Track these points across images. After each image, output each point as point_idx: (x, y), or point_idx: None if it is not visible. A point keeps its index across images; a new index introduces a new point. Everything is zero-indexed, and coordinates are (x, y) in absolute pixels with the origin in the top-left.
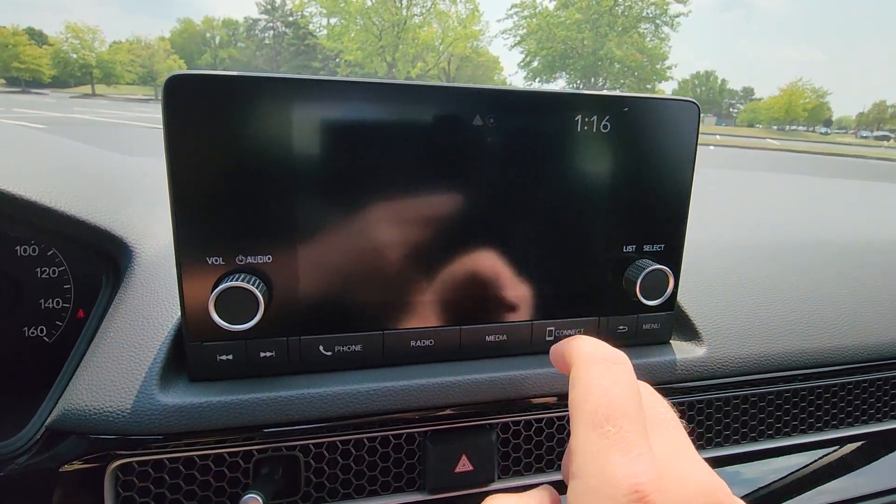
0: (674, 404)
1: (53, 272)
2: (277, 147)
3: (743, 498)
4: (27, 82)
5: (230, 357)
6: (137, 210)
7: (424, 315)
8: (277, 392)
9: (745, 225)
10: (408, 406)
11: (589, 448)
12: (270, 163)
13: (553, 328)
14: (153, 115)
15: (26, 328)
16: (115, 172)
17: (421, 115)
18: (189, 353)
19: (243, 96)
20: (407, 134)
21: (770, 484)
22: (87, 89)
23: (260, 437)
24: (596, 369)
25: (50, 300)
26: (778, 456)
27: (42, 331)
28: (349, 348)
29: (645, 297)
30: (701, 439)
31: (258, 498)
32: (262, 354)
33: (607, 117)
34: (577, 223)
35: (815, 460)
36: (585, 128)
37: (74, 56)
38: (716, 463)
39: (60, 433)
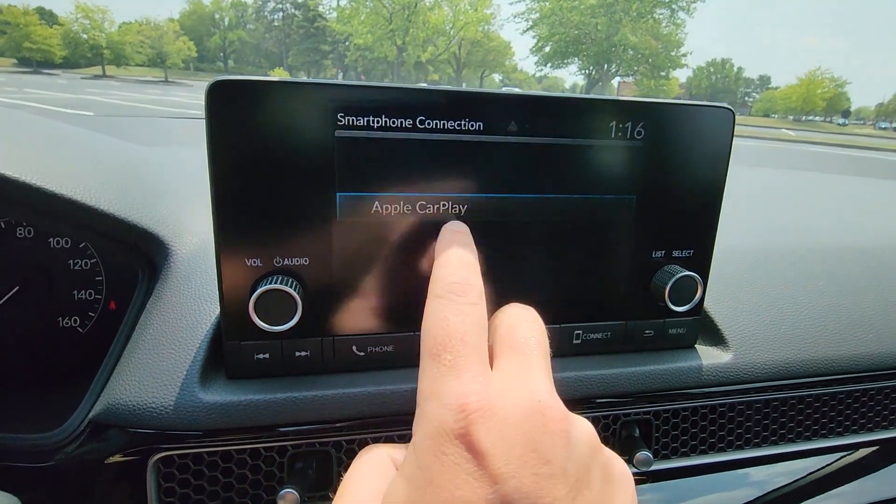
0: (693, 408)
1: (86, 264)
2: (316, 152)
3: (758, 499)
4: (38, 63)
5: (266, 356)
6: (172, 206)
7: None
8: (313, 391)
9: (769, 227)
10: None
11: (427, 375)
12: (309, 167)
13: (580, 332)
14: (167, 99)
15: (60, 318)
16: (147, 166)
17: (457, 121)
18: (227, 352)
19: (285, 101)
20: (443, 139)
21: (787, 485)
22: (97, 70)
23: (294, 434)
24: (440, 302)
25: (83, 292)
26: (797, 459)
27: (76, 321)
28: (382, 349)
29: (673, 303)
30: (722, 442)
31: (295, 492)
32: (297, 354)
33: (641, 123)
34: (607, 228)
35: (831, 463)
36: (619, 133)
37: (85, 36)
38: (736, 465)
39: (103, 426)
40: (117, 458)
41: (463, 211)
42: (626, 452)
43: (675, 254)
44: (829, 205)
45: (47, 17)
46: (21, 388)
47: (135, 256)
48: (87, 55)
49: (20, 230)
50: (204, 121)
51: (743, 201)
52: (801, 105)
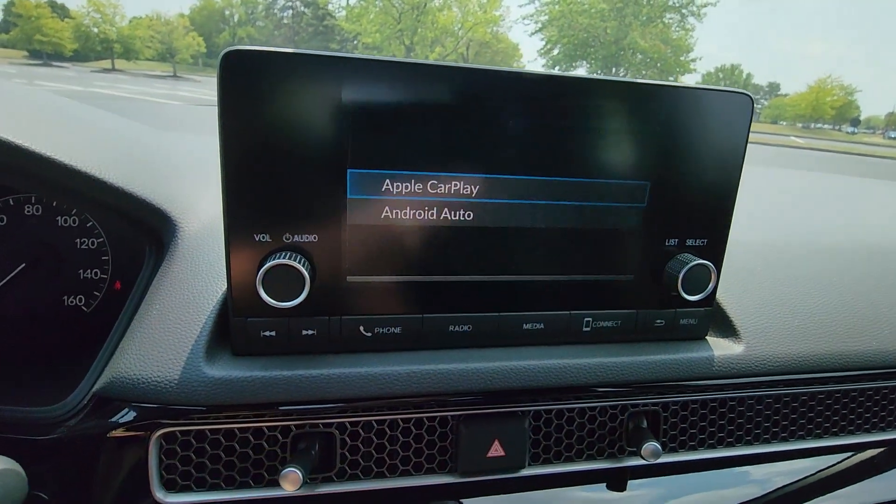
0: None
1: (92, 243)
2: (329, 126)
3: (763, 497)
4: (49, 55)
5: (273, 333)
6: (182, 186)
7: (464, 301)
8: (319, 370)
9: (782, 224)
10: (444, 390)
11: None
12: (320, 142)
13: (590, 319)
14: (175, 94)
15: (66, 297)
16: (159, 148)
17: (469, 99)
18: (233, 328)
19: (299, 73)
20: (455, 117)
21: (793, 483)
22: (106, 64)
23: (298, 414)
24: None
25: (89, 271)
26: (808, 457)
27: (81, 300)
28: (388, 330)
29: (686, 292)
30: (731, 437)
31: (298, 472)
32: (304, 332)
33: (658, 107)
34: (619, 214)
35: (839, 462)
36: (635, 117)
37: (96, 30)
38: (744, 461)
39: (107, 400)
40: (120, 432)
41: (474, 192)
42: (634, 444)
43: (689, 242)
44: (841, 204)
45: (59, 10)
46: (26, 364)
47: (142, 233)
48: (97, 49)
49: (28, 208)
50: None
51: (755, 198)
52: (809, 112)
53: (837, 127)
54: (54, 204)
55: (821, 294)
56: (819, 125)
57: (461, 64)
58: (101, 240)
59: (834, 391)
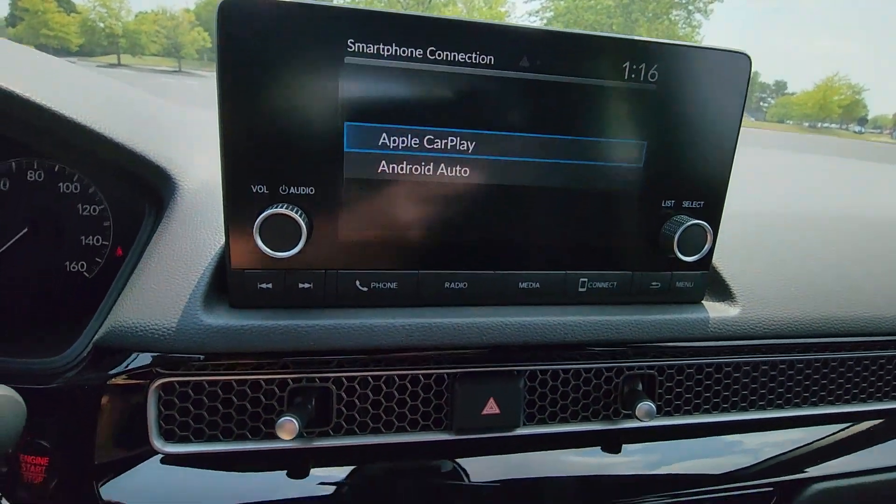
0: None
1: (94, 210)
2: (325, 78)
3: (758, 464)
4: (55, 50)
5: (270, 286)
6: (181, 147)
7: (460, 258)
8: (315, 321)
9: (780, 196)
10: (440, 343)
11: None
12: (317, 94)
13: (586, 279)
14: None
15: (68, 263)
16: (160, 112)
17: (468, 54)
18: (231, 280)
19: (295, 23)
20: (455, 72)
21: (789, 451)
22: (112, 59)
23: (295, 367)
24: None
25: (90, 237)
26: (804, 426)
27: (83, 266)
28: (385, 285)
29: (682, 253)
30: (727, 402)
31: (294, 421)
32: (300, 285)
33: (656, 66)
34: (616, 174)
35: (836, 432)
36: (633, 76)
37: (101, 25)
38: (740, 427)
39: (107, 349)
40: (119, 380)
41: (471, 148)
42: (629, 406)
43: (686, 204)
44: (841, 181)
45: (65, 4)
46: (28, 324)
47: (142, 192)
48: (102, 43)
49: (31, 173)
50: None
51: (755, 175)
52: (816, 111)
53: (844, 126)
54: (56, 169)
55: (817, 261)
56: (826, 124)
57: (461, 18)
58: (103, 206)
59: (830, 359)
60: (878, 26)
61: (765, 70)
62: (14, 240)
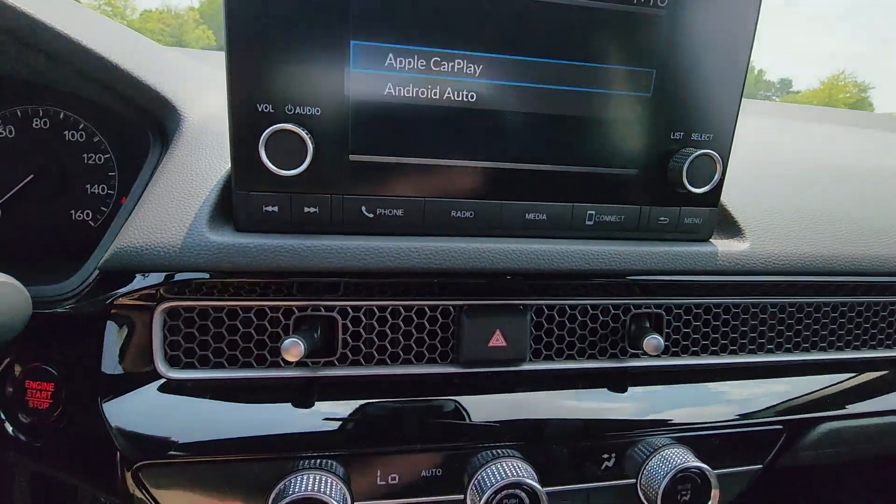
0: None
1: (99, 159)
2: None
3: (772, 405)
4: None
5: (275, 209)
6: (186, 83)
7: (467, 187)
8: (321, 241)
9: (791, 148)
10: (446, 267)
11: None
12: (323, 11)
13: (594, 212)
14: None
15: (73, 211)
16: (171, 57)
17: None
18: (236, 203)
19: None
20: None
21: (799, 394)
22: None
23: (300, 294)
24: None
25: (96, 186)
26: (812, 372)
27: (88, 215)
28: (391, 212)
29: (691, 183)
30: (735, 344)
31: (300, 343)
32: (306, 209)
33: None
34: (624, 104)
35: (847, 379)
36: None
37: None
38: (750, 372)
39: (112, 272)
40: (126, 300)
41: (477, 71)
42: (636, 344)
43: (694, 137)
44: (850, 141)
45: None
46: (35, 264)
47: (146, 122)
48: None
49: (36, 121)
50: None
51: (764, 136)
52: None
53: None
54: (61, 117)
55: (827, 202)
56: None
57: None
58: (108, 156)
59: (839, 304)
60: (885, 25)
61: (770, 68)
62: (20, 186)
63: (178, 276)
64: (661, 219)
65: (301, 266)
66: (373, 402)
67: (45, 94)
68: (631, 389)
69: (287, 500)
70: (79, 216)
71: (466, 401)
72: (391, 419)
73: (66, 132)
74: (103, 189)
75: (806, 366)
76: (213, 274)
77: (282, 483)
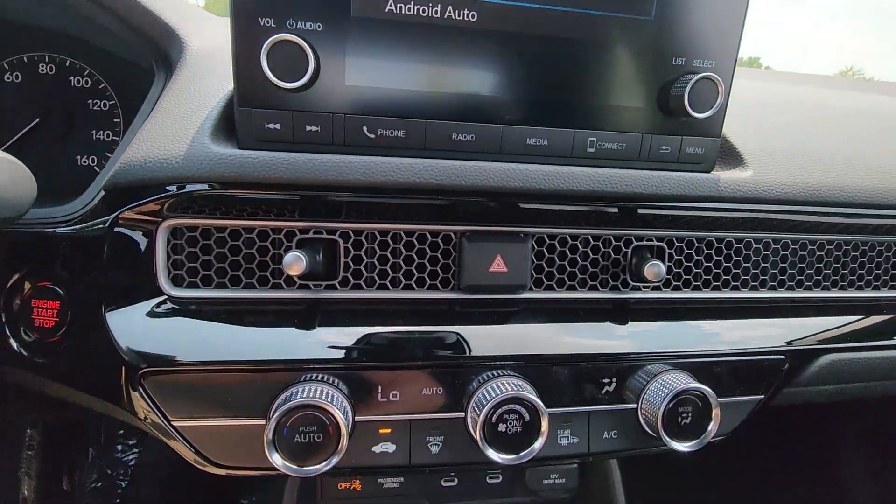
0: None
1: (104, 105)
2: None
3: (775, 336)
4: None
5: (277, 126)
6: (192, 19)
7: (468, 110)
8: (322, 156)
9: (788, 91)
10: (448, 183)
11: None
12: None
13: (595, 139)
14: None
15: (79, 157)
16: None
17: None
18: (239, 120)
19: None
20: None
21: (802, 327)
22: None
23: (302, 216)
24: None
25: (101, 132)
26: (813, 314)
27: (93, 160)
28: (392, 133)
29: (693, 108)
30: (737, 280)
31: (302, 257)
32: (307, 128)
33: None
34: (626, 26)
35: (850, 313)
36: None
37: None
38: (751, 311)
39: (117, 190)
40: (129, 214)
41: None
42: (637, 276)
43: (697, 63)
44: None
45: None
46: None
47: (152, 52)
48: None
49: (42, 67)
50: None
51: (763, 85)
52: None
53: None
54: (67, 64)
55: (829, 137)
56: None
57: None
58: (113, 102)
59: (843, 242)
60: (891, 20)
61: (776, 64)
62: (26, 129)
63: (181, 190)
64: (663, 148)
65: (302, 178)
66: (374, 332)
67: (51, 41)
68: (632, 323)
69: (290, 404)
70: (84, 161)
71: (468, 330)
72: (392, 345)
73: (72, 78)
74: (108, 135)
75: (809, 303)
76: (215, 185)
77: (285, 393)
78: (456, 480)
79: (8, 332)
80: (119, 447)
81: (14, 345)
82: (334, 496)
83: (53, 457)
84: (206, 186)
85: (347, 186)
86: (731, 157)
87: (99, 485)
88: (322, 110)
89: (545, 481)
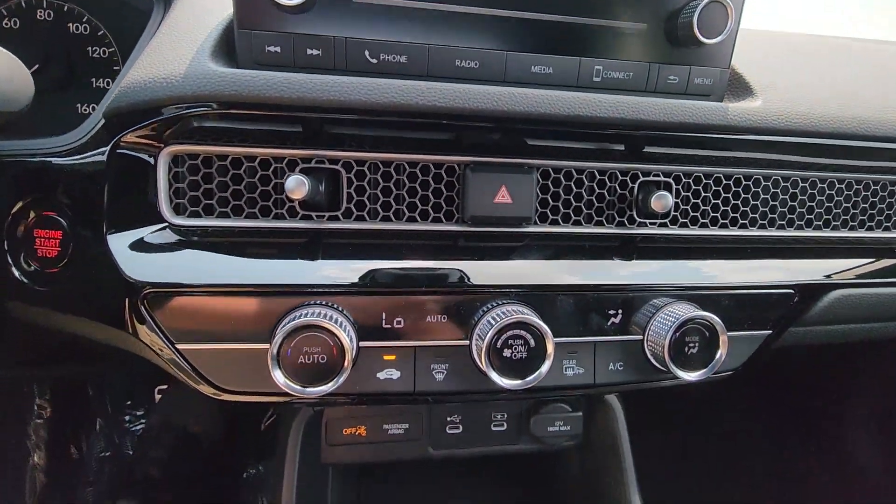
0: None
1: (104, 52)
2: None
3: (785, 271)
4: None
5: (278, 49)
6: None
7: (472, 35)
8: (324, 76)
9: (796, 29)
10: (451, 105)
11: None
12: None
13: (601, 68)
14: None
15: (79, 105)
16: None
17: None
18: (239, 43)
19: None
20: None
21: (811, 264)
22: None
23: (304, 145)
24: None
25: (101, 80)
26: (820, 255)
27: (93, 109)
28: (394, 57)
29: (702, 33)
30: (745, 218)
31: (305, 181)
32: (308, 51)
33: None
34: None
35: (859, 253)
36: None
37: None
38: (759, 251)
39: (117, 114)
40: (130, 138)
41: None
42: (644, 212)
43: None
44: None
45: None
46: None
47: None
48: None
49: (40, 13)
50: None
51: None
52: None
53: None
54: (65, 9)
55: (843, 71)
56: None
57: None
58: (112, 49)
59: (854, 181)
60: None
61: None
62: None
63: (181, 111)
64: (671, 78)
65: (304, 98)
66: (378, 264)
67: None
68: (638, 261)
69: (294, 323)
70: (84, 109)
71: (471, 264)
72: (396, 276)
73: (70, 24)
74: (108, 83)
75: (819, 243)
76: (214, 106)
77: (289, 315)
78: (461, 427)
79: (10, 260)
80: (126, 417)
81: (16, 273)
82: (339, 441)
83: (61, 426)
84: (207, 105)
85: (349, 108)
86: (740, 88)
87: (107, 453)
88: (323, 33)
89: (550, 428)
